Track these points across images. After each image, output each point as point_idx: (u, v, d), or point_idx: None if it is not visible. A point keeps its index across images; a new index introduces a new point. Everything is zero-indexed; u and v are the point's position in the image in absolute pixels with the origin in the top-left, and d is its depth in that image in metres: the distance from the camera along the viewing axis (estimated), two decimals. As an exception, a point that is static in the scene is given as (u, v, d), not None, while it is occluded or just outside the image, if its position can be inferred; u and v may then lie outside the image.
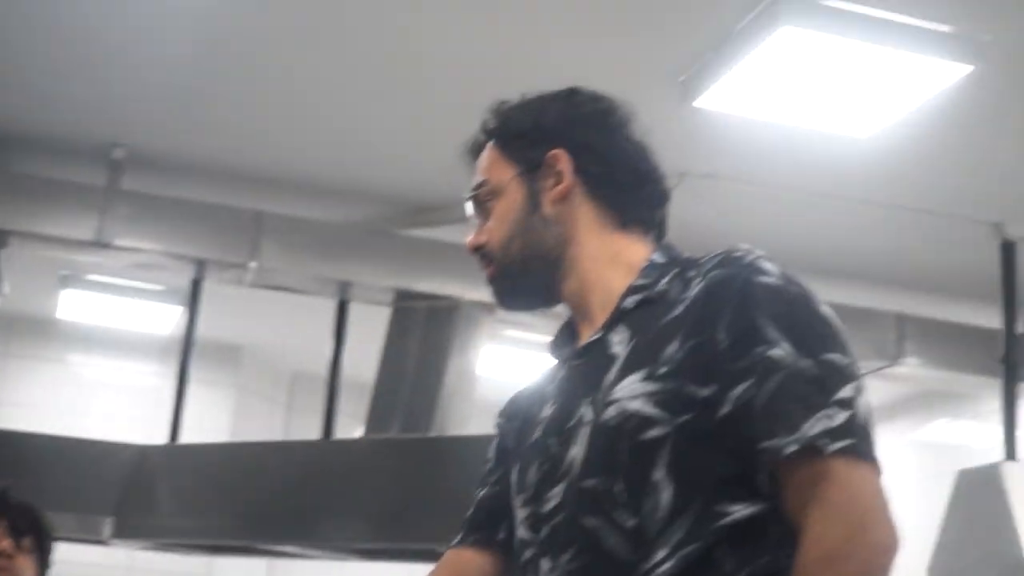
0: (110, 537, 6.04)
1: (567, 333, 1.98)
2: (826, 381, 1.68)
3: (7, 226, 5.47)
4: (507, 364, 7.15)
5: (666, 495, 1.71)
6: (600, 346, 1.85)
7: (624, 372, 1.78)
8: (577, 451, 1.79)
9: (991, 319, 5.82)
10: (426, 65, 4.69)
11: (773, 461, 1.66)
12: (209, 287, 5.94)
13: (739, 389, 1.68)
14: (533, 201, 1.93)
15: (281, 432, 8.23)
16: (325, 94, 5.00)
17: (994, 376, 5.83)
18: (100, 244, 5.47)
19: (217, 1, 4.26)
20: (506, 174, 1.95)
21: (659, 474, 1.71)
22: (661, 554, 1.69)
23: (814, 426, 1.64)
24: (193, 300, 6.00)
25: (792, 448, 1.64)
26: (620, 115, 1.99)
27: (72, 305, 7.22)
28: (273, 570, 8.17)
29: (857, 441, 1.66)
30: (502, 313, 5.83)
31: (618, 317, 1.86)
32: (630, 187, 1.95)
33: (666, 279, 1.85)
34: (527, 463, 1.90)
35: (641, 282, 1.86)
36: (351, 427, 6.00)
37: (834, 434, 1.64)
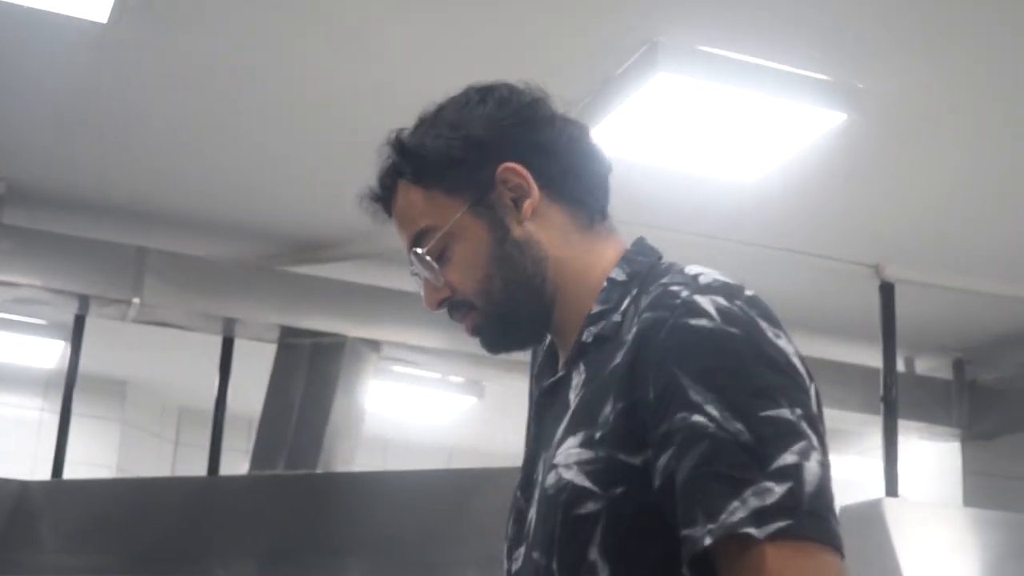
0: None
1: (549, 361, 1.74)
2: (761, 447, 1.40)
3: None
4: (394, 400, 7.16)
5: None
6: (561, 388, 1.63)
7: (567, 431, 1.56)
8: (532, 515, 1.60)
9: (872, 358, 5.91)
10: (310, 103, 4.68)
11: (691, 553, 1.41)
12: (94, 321, 5.87)
13: (663, 459, 1.45)
14: (500, 229, 1.66)
15: (168, 467, 8.15)
16: (209, 130, 4.97)
17: (876, 414, 5.91)
18: (-20, 279, 5.40)
19: (100, 35, 4.22)
20: (451, 211, 1.67)
21: (594, 554, 1.49)
22: None
23: (739, 509, 1.38)
24: (76, 335, 5.93)
25: (707, 540, 1.39)
26: (547, 102, 1.74)
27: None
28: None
29: (797, 520, 1.38)
30: (387, 349, 5.84)
31: (578, 353, 1.63)
32: (587, 174, 1.71)
33: (625, 303, 1.61)
34: (510, 510, 1.69)
35: (598, 309, 1.62)
36: (238, 463, 5.97)
37: (765, 515, 1.37)
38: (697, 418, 1.41)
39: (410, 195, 1.70)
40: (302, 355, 5.80)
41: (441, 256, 1.68)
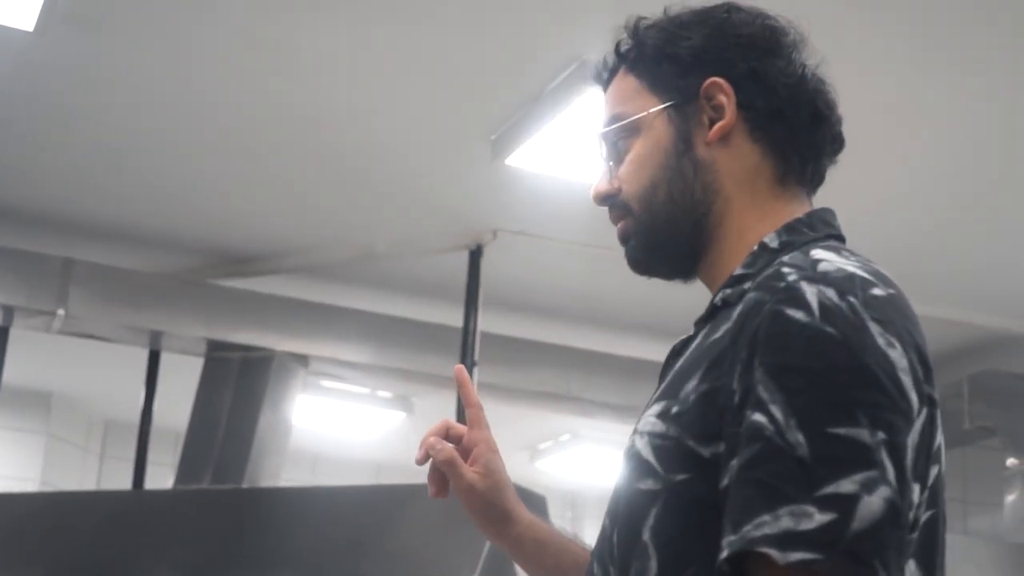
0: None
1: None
2: (817, 466, 1.24)
3: None
4: (322, 415, 7.13)
5: (652, 564, 1.36)
6: (683, 350, 1.51)
7: (657, 397, 1.45)
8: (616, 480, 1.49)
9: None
10: (241, 116, 4.66)
11: (719, 566, 1.28)
12: (18, 333, 5.81)
13: (733, 460, 1.31)
14: (684, 140, 1.54)
15: (94, 481, 8.06)
16: (137, 141, 4.94)
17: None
18: (-102, 290, 5.33)
19: (26, 43, 4.18)
20: (647, 107, 1.57)
21: (646, 535, 1.37)
22: None
23: (767, 524, 1.24)
24: (0, 347, 5.87)
25: (723, 552, 1.27)
26: (792, 37, 1.58)
27: None
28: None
29: (829, 557, 1.22)
30: (316, 364, 5.81)
31: (709, 313, 1.51)
32: (802, 128, 1.56)
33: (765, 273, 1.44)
34: None
35: (740, 271, 1.49)
36: (164, 477, 5.92)
37: (793, 541, 1.22)
38: (759, 417, 1.28)
39: (622, 81, 1.61)
40: (230, 369, 5.76)
41: (622, 148, 1.58)
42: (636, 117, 1.57)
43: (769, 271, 1.40)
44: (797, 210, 1.54)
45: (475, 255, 5.28)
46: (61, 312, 5.47)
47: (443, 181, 5.04)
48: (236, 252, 5.80)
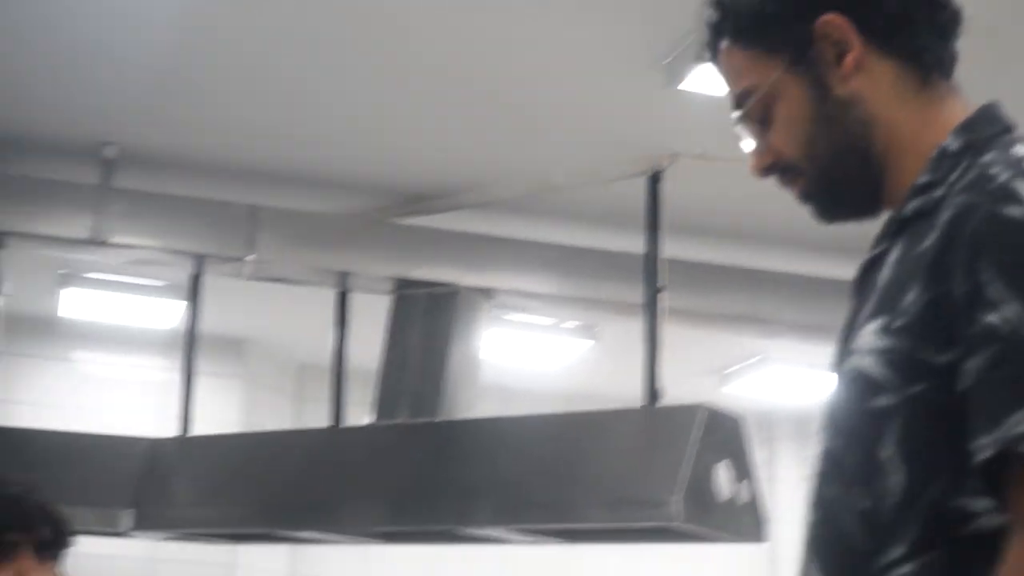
0: (130, 529, 6.08)
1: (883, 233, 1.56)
2: None
3: (4, 227, 5.48)
4: (509, 348, 7.17)
5: (896, 479, 1.37)
6: (877, 265, 1.50)
7: (870, 315, 1.45)
8: (829, 400, 1.49)
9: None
10: (418, 54, 4.68)
11: (975, 467, 1.30)
12: (211, 280, 5.94)
13: (968, 363, 1.32)
14: (821, 88, 1.55)
15: (291, 422, 8.22)
16: (319, 85, 4.99)
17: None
18: (96, 242, 5.47)
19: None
20: (771, 71, 1.56)
21: (887, 451, 1.38)
22: (898, 552, 1.37)
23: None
24: (193, 295, 6.01)
25: (986, 453, 1.28)
26: None
27: (73, 303, 7.23)
28: (296, 557, 8.21)
29: None
30: (501, 297, 5.84)
31: (897, 227, 1.50)
32: (923, 23, 1.54)
33: (953, 176, 1.44)
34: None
35: (924, 180, 1.48)
36: (360, 415, 6.01)
37: None
38: (992, 318, 1.28)
39: (732, 57, 1.61)
40: (417, 306, 5.82)
41: (764, 119, 1.59)
42: (764, 88, 1.56)
43: (973, 173, 1.39)
44: (953, 105, 1.53)
45: (654, 180, 5.23)
46: (251, 258, 5.58)
47: (617, 108, 5.00)
48: (417, 190, 5.84)
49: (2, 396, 7.16)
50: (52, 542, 2.71)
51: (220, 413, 7.26)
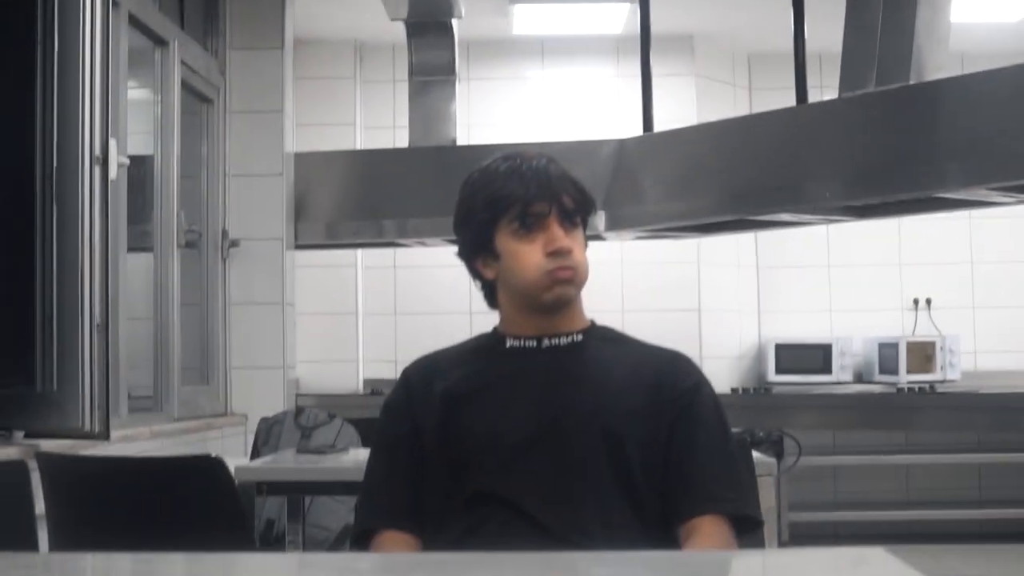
0: (603, 231, 6.33)
1: None
2: None
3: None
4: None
5: None
6: None
7: None
8: None
9: None
10: None
11: None
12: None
13: None
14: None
15: (745, 113, 8.24)
16: None
17: None
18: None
19: None
20: None
21: None
22: None
23: None
24: (643, -6, 6.09)
25: None
26: None
27: (525, 19, 7.45)
28: (761, 249, 8.33)
29: None
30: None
31: None
32: None
33: None
34: None
35: None
36: (817, 98, 5.97)
37: None
38: None
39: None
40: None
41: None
42: None
43: None
44: None
45: None
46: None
47: None
48: None
49: (466, 120, 7.44)
50: (575, 210, 2.79)
51: (676, 111, 7.36)
